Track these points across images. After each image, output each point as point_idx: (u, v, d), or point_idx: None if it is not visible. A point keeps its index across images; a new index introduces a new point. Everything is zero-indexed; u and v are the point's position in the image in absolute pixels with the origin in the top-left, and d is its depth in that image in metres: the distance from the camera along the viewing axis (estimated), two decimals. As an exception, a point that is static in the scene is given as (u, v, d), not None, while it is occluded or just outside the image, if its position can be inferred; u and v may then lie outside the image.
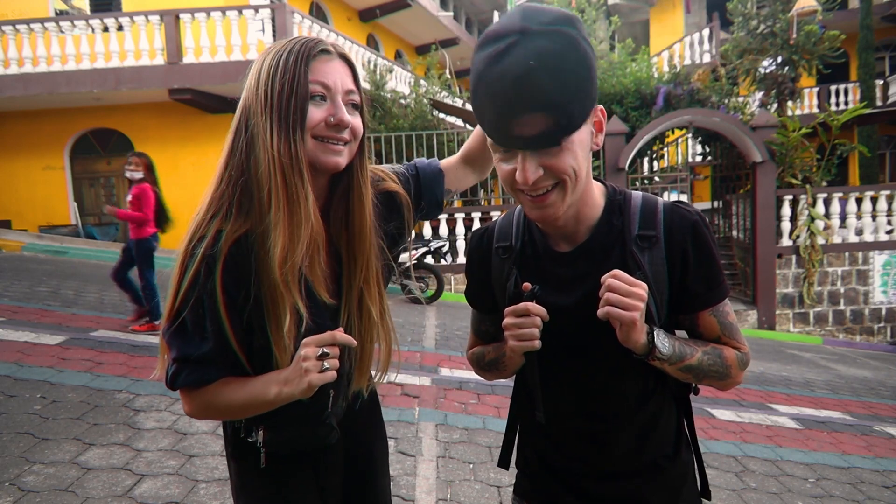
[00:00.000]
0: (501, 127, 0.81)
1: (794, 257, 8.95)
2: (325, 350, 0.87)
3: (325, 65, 0.91)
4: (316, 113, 0.90)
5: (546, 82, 0.76)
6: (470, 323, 1.19)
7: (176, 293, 0.88)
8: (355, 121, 0.95)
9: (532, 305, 0.89)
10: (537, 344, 0.90)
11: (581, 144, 0.85)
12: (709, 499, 1.08)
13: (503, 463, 1.14)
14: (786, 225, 8.95)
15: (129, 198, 4.71)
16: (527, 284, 0.91)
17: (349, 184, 1.00)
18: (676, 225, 0.93)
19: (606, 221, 0.96)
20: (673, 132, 10.30)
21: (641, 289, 0.83)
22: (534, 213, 0.89)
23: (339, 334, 0.88)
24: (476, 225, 8.48)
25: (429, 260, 7.86)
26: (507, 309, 0.91)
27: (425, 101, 10.41)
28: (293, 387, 0.87)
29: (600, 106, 0.88)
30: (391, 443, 2.91)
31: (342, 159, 0.94)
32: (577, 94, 0.79)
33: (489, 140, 0.87)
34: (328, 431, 1.02)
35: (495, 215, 8.50)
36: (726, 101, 9.69)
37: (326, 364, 0.86)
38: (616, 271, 0.84)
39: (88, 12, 11.06)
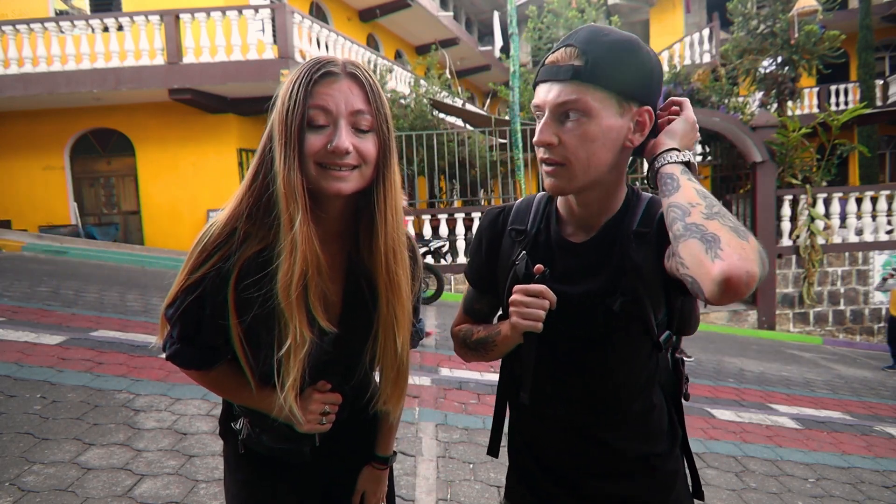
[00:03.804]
0: (543, 61, 0.92)
1: (794, 257, 8.95)
2: (327, 408, 1.02)
3: (329, 88, 0.89)
4: (315, 140, 0.89)
5: (592, 33, 0.88)
6: (462, 300, 1.19)
7: (182, 280, 0.93)
8: (363, 144, 0.91)
9: (545, 289, 0.91)
10: (540, 326, 0.91)
11: (604, 134, 0.89)
12: (702, 499, 1.08)
13: (492, 450, 1.14)
14: (786, 225, 8.96)
15: None
16: (539, 266, 0.92)
17: (371, 209, 0.97)
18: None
19: (620, 219, 0.98)
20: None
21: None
22: (546, 182, 0.94)
23: (339, 398, 1.03)
24: (476, 225, 8.48)
25: (429, 260, 7.86)
26: (520, 287, 0.93)
27: (425, 101, 10.42)
28: (292, 422, 0.97)
29: (649, 108, 0.91)
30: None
31: (345, 185, 0.91)
32: (614, 59, 0.86)
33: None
34: (302, 451, 1.06)
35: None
36: (726, 101, 9.69)
37: (324, 419, 1.02)
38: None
39: (88, 12, 11.05)
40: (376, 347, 1.02)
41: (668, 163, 0.87)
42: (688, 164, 0.87)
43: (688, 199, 0.79)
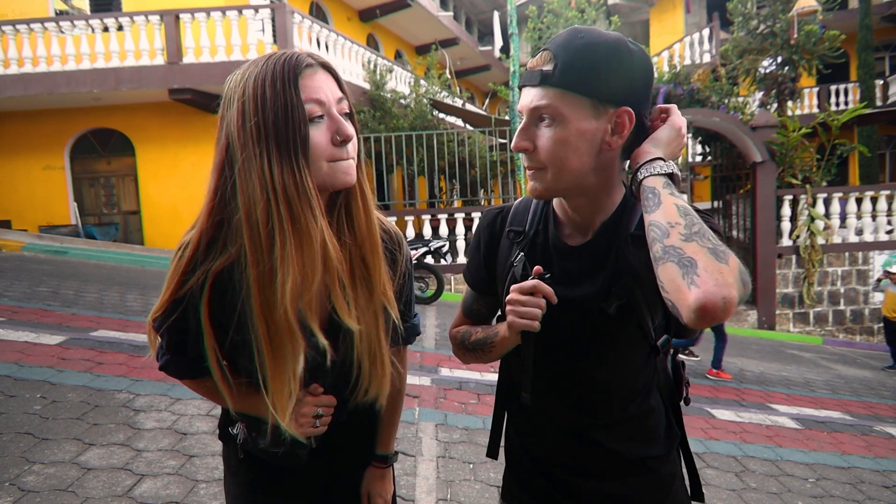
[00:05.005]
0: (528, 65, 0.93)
1: (794, 257, 8.95)
2: (320, 412, 0.98)
3: (313, 79, 0.86)
4: (319, 135, 0.85)
5: (568, 36, 0.86)
6: (461, 302, 1.19)
7: (165, 293, 0.93)
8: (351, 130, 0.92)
9: (540, 284, 0.90)
10: (536, 325, 0.90)
11: (577, 138, 0.87)
12: (701, 501, 1.08)
13: (491, 452, 1.14)
14: (786, 225, 8.96)
15: None
16: (538, 268, 0.92)
17: (353, 194, 0.95)
18: None
19: (616, 221, 0.97)
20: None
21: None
22: (529, 185, 0.95)
23: (333, 400, 1.00)
24: (476, 225, 8.48)
25: (429, 260, 7.86)
26: (515, 286, 0.92)
27: (425, 101, 10.42)
28: (286, 427, 0.94)
29: (629, 109, 0.87)
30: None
31: (350, 177, 0.90)
32: (585, 61, 0.85)
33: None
34: (298, 455, 1.03)
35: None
36: (726, 101, 9.68)
37: (318, 422, 0.98)
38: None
39: (88, 12, 11.05)
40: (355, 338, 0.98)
41: (651, 175, 0.85)
42: (671, 176, 0.86)
43: (667, 217, 0.78)
